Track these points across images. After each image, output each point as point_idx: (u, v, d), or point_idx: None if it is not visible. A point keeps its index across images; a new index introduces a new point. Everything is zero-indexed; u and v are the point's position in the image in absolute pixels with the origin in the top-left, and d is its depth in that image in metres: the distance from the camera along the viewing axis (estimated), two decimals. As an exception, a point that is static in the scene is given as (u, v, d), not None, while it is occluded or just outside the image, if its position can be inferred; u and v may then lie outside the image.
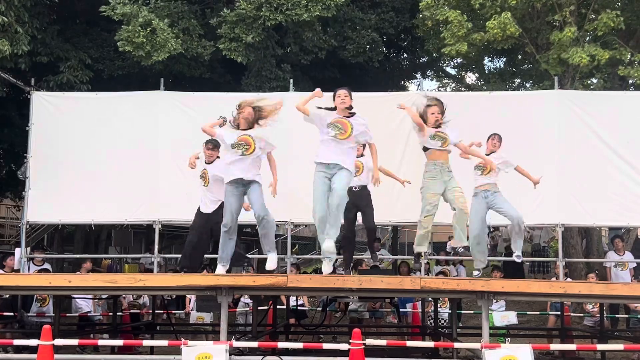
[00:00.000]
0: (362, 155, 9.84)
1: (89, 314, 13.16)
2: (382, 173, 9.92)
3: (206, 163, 9.78)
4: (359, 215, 9.98)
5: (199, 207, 9.80)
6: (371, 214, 9.96)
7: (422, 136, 9.03)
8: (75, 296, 12.45)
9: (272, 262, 8.56)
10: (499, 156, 10.01)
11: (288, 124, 12.56)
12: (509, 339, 10.39)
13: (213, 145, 9.69)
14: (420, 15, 16.01)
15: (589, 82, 15.86)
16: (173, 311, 14.32)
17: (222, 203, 9.17)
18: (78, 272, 13.54)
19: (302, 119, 8.56)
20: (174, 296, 14.58)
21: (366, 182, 9.85)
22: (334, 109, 8.45)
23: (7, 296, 12.25)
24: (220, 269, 8.56)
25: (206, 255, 10.38)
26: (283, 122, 12.43)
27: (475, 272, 9.91)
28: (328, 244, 8.08)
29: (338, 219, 8.23)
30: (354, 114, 8.44)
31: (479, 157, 9.80)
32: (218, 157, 9.70)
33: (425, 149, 9.10)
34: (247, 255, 11.28)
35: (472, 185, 9.94)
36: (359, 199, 9.79)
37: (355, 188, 9.67)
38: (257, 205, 8.53)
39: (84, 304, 13.02)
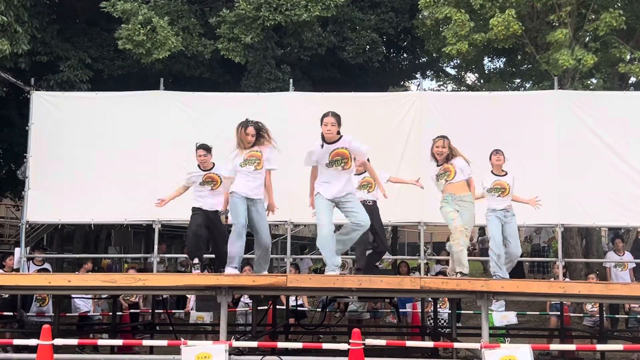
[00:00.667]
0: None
1: (88, 314, 13.16)
2: (392, 182, 10.15)
3: (204, 170, 9.62)
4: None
5: (199, 207, 9.65)
6: (383, 235, 10.19)
7: None
8: (73, 296, 12.44)
9: None
10: (512, 176, 9.84)
11: (287, 124, 12.67)
12: (509, 339, 10.40)
13: (206, 150, 9.59)
14: (420, 15, 16.00)
15: (588, 82, 15.86)
16: (173, 311, 14.32)
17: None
18: (77, 273, 13.54)
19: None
20: (175, 297, 14.58)
21: (377, 196, 10.01)
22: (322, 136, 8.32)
23: (7, 296, 12.25)
24: (231, 270, 8.48)
25: (205, 255, 10.38)
26: (282, 122, 12.53)
27: None
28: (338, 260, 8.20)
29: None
30: (341, 136, 8.29)
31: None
32: (212, 162, 9.64)
33: None
34: (247, 256, 11.26)
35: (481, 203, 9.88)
36: (371, 214, 9.92)
37: (369, 202, 9.87)
38: (265, 231, 8.65)
39: (82, 304, 13.01)
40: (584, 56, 13.72)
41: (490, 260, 9.56)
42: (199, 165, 9.66)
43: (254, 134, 8.57)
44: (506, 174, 9.77)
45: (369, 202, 9.82)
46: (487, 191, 9.68)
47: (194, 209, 9.64)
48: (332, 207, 8.31)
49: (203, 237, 9.63)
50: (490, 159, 9.82)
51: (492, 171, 9.80)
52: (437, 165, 9.24)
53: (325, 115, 8.25)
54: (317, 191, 8.36)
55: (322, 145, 8.25)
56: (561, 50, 13.84)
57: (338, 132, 8.23)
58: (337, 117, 8.22)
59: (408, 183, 10.57)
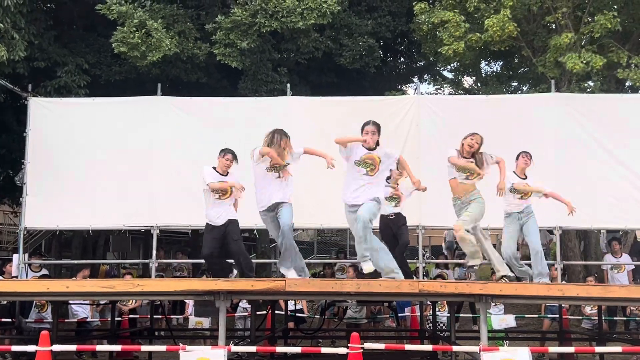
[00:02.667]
0: (397, 184, 10.19)
1: (86, 320, 13.13)
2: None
3: (223, 174, 9.45)
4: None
5: (207, 224, 9.45)
6: (406, 232, 10.29)
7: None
8: (71, 302, 12.42)
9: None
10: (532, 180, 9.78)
11: (289, 130, 12.66)
12: (507, 342, 10.41)
13: (232, 155, 9.48)
14: (417, 19, 16.04)
15: (585, 85, 15.90)
16: (171, 316, 14.30)
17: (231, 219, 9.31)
18: (74, 278, 13.52)
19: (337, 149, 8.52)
20: (172, 303, 14.57)
21: (401, 209, 10.23)
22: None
23: (6, 302, 12.25)
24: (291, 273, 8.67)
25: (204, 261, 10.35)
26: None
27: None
28: (367, 266, 8.20)
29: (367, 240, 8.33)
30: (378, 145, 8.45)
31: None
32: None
33: None
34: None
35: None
36: (394, 223, 10.12)
37: (391, 216, 10.11)
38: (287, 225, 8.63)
39: (80, 310, 12.98)
40: (593, 58, 13.75)
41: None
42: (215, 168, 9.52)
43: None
44: (526, 177, 9.73)
45: (391, 216, 10.11)
46: (509, 191, 9.58)
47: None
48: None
49: (208, 256, 9.48)
50: (517, 159, 9.78)
51: (515, 172, 9.74)
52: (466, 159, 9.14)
53: (366, 123, 8.42)
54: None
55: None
56: (568, 54, 13.87)
57: (377, 142, 8.39)
58: (378, 126, 8.40)
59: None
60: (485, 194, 9.14)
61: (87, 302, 12.68)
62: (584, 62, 13.72)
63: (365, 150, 8.35)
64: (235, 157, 9.44)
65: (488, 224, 10.59)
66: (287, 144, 8.80)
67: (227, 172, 9.42)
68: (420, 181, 9.26)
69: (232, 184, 9.30)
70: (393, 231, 10.20)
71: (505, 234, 9.62)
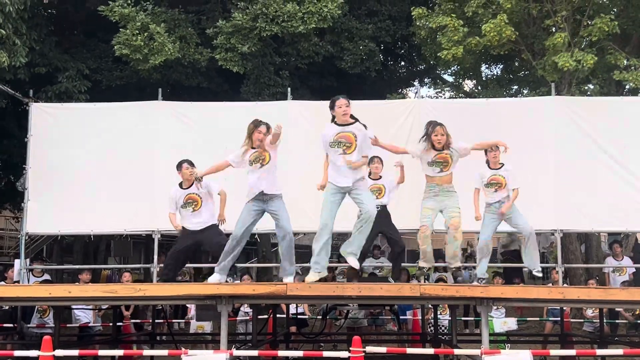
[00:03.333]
0: (380, 177, 10.15)
1: (89, 324, 13.14)
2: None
3: (185, 188, 9.59)
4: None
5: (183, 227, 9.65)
6: (396, 235, 10.27)
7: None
8: (74, 307, 12.43)
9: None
10: (506, 170, 9.73)
11: (286, 132, 12.65)
12: (509, 345, 10.41)
13: (188, 163, 9.59)
14: (416, 24, 16.09)
15: (585, 87, 15.92)
16: (172, 320, 14.31)
17: (212, 225, 9.38)
18: (77, 284, 13.53)
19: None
20: (173, 307, 14.58)
21: (386, 202, 10.13)
22: (333, 118, 8.36)
23: (7, 307, 12.25)
24: (217, 277, 8.55)
25: (205, 265, 10.40)
26: (282, 133, 12.54)
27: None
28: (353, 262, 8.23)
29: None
30: (355, 120, 8.33)
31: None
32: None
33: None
34: (247, 265, 11.31)
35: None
36: (380, 219, 9.95)
37: (377, 207, 9.86)
38: (284, 220, 8.52)
39: (82, 315, 12.99)
40: (584, 57, 13.78)
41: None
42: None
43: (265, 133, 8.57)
44: (502, 166, 9.71)
45: (377, 207, 9.88)
46: (485, 186, 9.66)
47: None
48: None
49: (176, 257, 9.73)
50: (486, 154, 9.75)
51: (488, 166, 9.75)
52: (435, 150, 8.99)
53: (335, 98, 8.30)
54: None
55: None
56: (560, 53, 13.90)
57: (352, 116, 8.28)
58: (349, 100, 8.29)
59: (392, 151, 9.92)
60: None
61: (90, 307, 12.69)
62: (575, 60, 13.74)
63: (338, 129, 8.26)
64: (191, 163, 9.58)
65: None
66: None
67: (192, 183, 9.51)
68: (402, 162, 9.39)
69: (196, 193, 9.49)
70: (380, 223, 9.85)
71: (483, 225, 9.65)
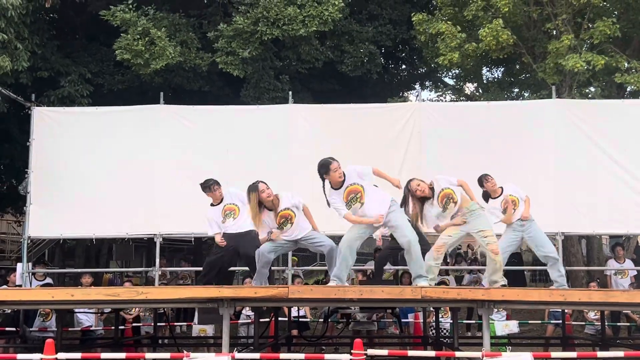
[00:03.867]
0: None
1: (90, 328, 13.15)
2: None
3: (217, 204, 9.71)
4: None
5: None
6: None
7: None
8: (76, 311, 12.45)
9: None
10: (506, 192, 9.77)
11: (287, 136, 12.75)
12: (510, 347, 10.40)
13: (214, 182, 9.70)
14: (416, 29, 16.13)
15: (586, 90, 15.94)
16: (175, 324, 14.32)
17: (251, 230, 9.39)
18: (79, 287, 13.55)
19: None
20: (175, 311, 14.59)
21: None
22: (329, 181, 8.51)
23: (10, 311, 12.26)
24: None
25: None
26: (282, 133, 12.61)
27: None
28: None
29: None
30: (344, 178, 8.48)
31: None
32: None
33: None
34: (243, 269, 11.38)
35: None
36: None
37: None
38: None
39: (85, 318, 13.01)
40: (594, 58, 13.79)
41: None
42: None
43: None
44: (502, 192, 9.74)
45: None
46: (503, 213, 9.70)
47: None
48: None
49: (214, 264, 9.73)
50: (482, 185, 9.78)
51: (490, 197, 9.79)
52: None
53: (328, 162, 8.39)
54: None
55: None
56: (568, 55, 13.92)
57: (343, 174, 8.43)
58: (337, 161, 8.45)
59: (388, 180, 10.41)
60: None
61: (92, 310, 12.70)
62: (585, 61, 13.75)
63: (344, 188, 8.44)
64: (216, 182, 9.68)
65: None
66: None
67: (222, 199, 9.65)
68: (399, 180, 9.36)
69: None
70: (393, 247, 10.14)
71: (502, 242, 9.68)
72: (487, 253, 8.87)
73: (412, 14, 15.77)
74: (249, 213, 9.17)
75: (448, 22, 14.98)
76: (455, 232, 8.92)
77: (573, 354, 8.26)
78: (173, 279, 17.14)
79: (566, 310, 12.35)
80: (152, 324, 13.07)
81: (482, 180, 9.74)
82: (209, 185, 9.65)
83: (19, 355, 8.42)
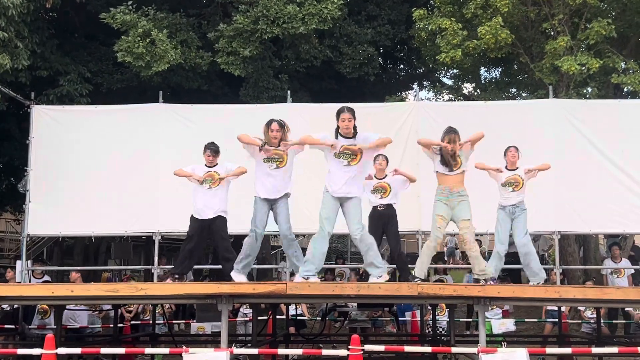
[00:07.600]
0: (385, 176, 10.19)
1: (87, 326, 13.19)
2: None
3: (209, 166, 9.76)
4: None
5: (192, 215, 9.74)
6: (394, 238, 10.21)
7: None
8: (67, 309, 12.38)
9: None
10: (523, 169, 9.92)
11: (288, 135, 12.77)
12: (506, 344, 10.46)
13: (213, 152, 9.75)
14: (416, 26, 16.18)
15: (583, 90, 16.00)
16: (173, 321, 14.39)
17: (220, 216, 9.41)
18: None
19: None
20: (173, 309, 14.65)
21: (393, 200, 10.14)
22: (337, 128, 8.44)
23: (9, 308, 12.32)
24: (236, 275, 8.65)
25: (205, 267, 10.47)
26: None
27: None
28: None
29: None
30: (356, 132, 8.43)
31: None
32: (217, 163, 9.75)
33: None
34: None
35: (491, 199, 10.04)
36: (385, 218, 10.04)
37: (380, 207, 10.03)
38: (284, 223, 8.64)
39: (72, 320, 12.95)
40: (588, 60, 13.86)
41: (492, 259, 9.75)
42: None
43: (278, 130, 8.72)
44: (518, 168, 9.92)
45: (380, 207, 10.00)
46: (501, 186, 9.82)
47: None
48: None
49: (189, 249, 9.70)
50: (505, 154, 10.00)
51: (505, 166, 9.96)
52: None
53: (341, 110, 8.39)
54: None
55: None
56: (564, 57, 13.99)
57: (354, 127, 8.38)
58: (353, 113, 8.39)
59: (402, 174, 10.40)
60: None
61: (84, 308, 12.72)
62: (580, 64, 13.83)
63: (344, 140, 8.36)
64: (213, 151, 9.75)
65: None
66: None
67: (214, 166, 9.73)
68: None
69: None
70: (383, 222, 10.07)
71: (496, 228, 9.80)
72: (464, 243, 8.94)
73: (414, 10, 15.81)
74: (225, 188, 9.45)
75: (451, 19, 14.99)
76: (442, 223, 8.93)
77: (568, 350, 8.34)
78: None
79: (563, 309, 12.42)
80: (151, 321, 13.14)
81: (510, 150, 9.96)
82: (209, 148, 9.78)
83: (20, 350, 8.52)
